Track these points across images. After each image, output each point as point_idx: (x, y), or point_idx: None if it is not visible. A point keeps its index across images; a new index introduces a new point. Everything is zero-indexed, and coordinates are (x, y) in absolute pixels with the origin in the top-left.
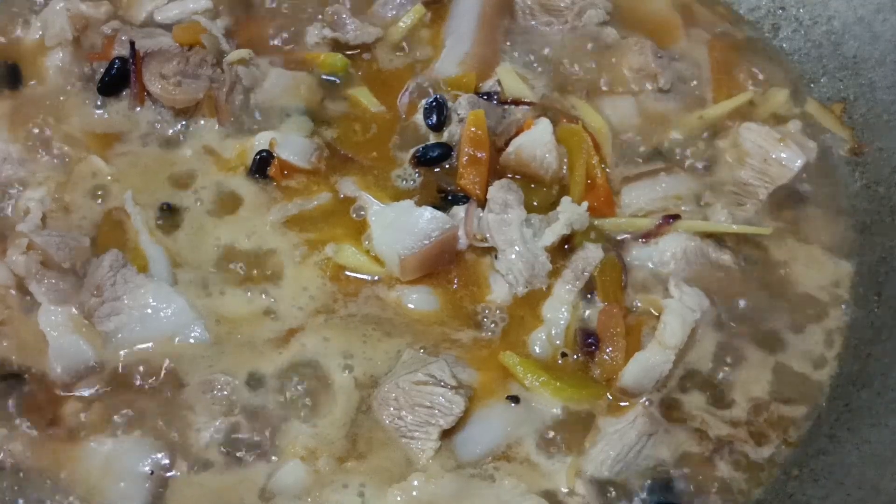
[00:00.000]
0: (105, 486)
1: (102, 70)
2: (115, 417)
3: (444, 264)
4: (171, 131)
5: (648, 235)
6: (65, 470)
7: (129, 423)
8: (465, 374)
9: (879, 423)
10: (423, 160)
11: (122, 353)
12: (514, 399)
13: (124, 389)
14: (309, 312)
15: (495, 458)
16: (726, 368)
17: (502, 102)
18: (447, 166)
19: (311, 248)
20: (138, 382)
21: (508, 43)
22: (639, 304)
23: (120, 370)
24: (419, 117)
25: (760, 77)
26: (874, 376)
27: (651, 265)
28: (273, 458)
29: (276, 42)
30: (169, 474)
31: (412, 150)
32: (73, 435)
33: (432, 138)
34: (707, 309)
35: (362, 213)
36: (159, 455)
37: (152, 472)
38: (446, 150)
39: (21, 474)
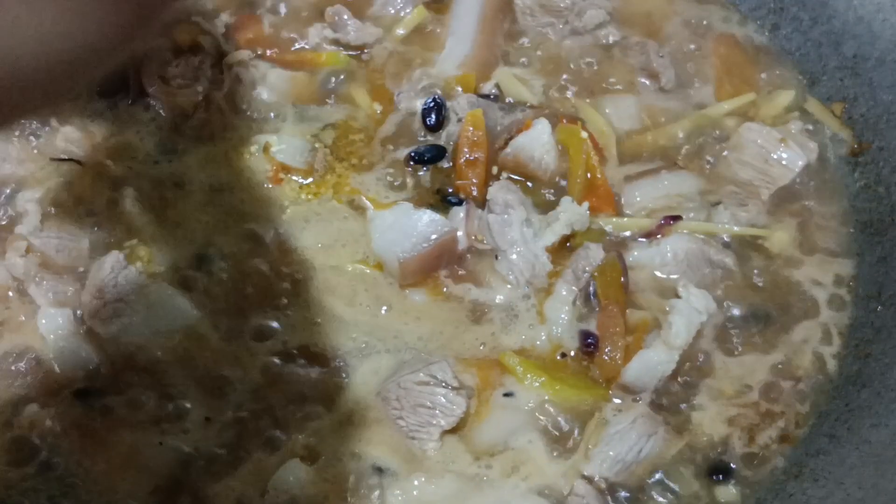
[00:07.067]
0: (122, 474)
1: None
2: (122, 418)
3: (443, 266)
4: (169, 132)
5: (650, 235)
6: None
7: (135, 422)
8: (464, 374)
9: (879, 423)
10: (418, 161)
11: (124, 354)
12: (512, 399)
13: (128, 389)
14: (316, 309)
15: (495, 458)
16: (726, 369)
17: (502, 105)
18: (445, 166)
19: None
20: (142, 383)
21: (508, 44)
22: (640, 305)
23: (122, 371)
24: (417, 118)
25: (762, 77)
26: (874, 376)
27: (652, 266)
28: (274, 455)
29: (275, 43)
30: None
31: (407, 152)
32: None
33: (430, 139)
34: (713, 311)
35: (360, 215)
36: (165, 454)
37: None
38: (440, 152)
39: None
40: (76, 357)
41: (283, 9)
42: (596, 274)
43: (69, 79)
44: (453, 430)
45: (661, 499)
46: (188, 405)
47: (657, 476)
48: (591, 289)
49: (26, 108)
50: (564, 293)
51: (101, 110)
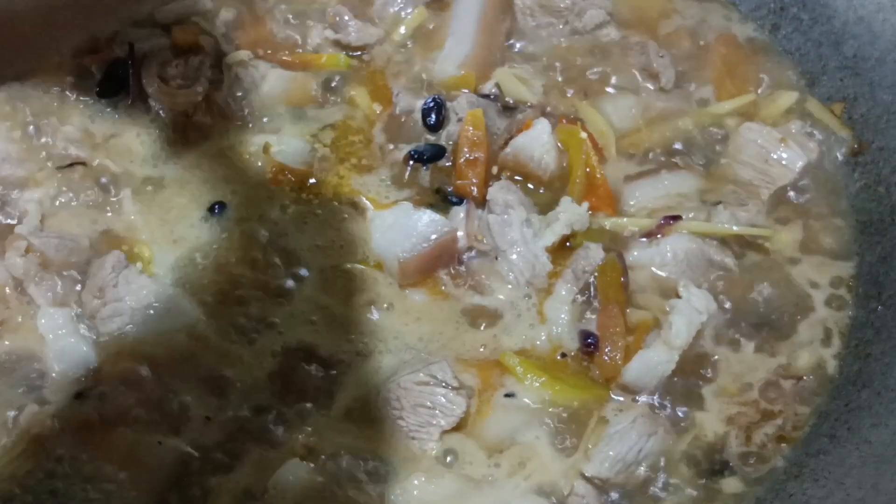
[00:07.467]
0: (123, 474)
1: (102, 71)
2: (122, 417)
3: (443, 266)
4: (169, 132)
5: (650, 235)
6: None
7: (135, 422)
8: (464, 374)
9: (879, 423)
10: (418, 161)
11: (124, 353)
12: (513, 399)
13: (128, 389)
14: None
15: (495, 457)
16: (726, 368)
17: (502, 106)
18: (445, 165)
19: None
20: (142, 382)
21: (509, 43)
22: (640, 305)
23: (122, 371)
24: (417, 118)
25: (762, 77)
26: (874, 376)
27: (652, 266)
28: (274, 454)
29: (276, 43)
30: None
31: (406, 151)
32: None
33: (430, 138)
34: (714, 312)
35: (360, 216)
36: (165, 453)
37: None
38: (440, 151)
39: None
40: (76, 357)
41: (283, 9)
42: (596, 274)
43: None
44: (458, 429)
45: (661, 498)
46: (188, 405)
47: (657, 475)
48: (591, 289)
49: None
50: (564, 293)
51: (101, 110)
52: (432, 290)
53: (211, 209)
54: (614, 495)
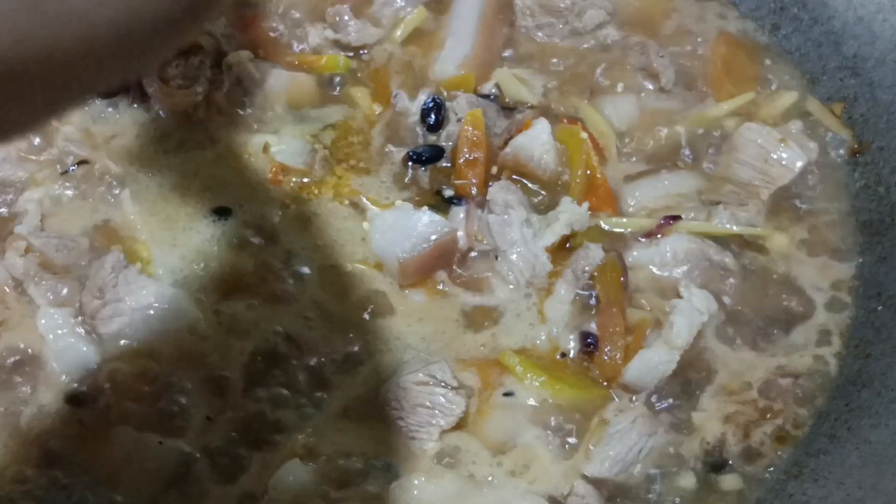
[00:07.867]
0: (124, 474)
1: None
2: (122, 417)
3: (443, 267)
4: (169, 132)
5: (649, 235)
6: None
7: (136, 423)
8: (464, 373)
9: (879, 423)
10: (416, 161)
11: (124, 353)
12: (512, 399)
13: (128, 389)
14: (316, 310)
15: (496, 457)
16: (725, 368)
17: (502, 106)
18: (445, 165)
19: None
20: (142, 383)
21: (508, 44)
22: (640, 305)
23: (123, 372)
24: (416, 118)
25: (762, 77)
26: (874, 376)
27: (652, 266)
28: (274, 455)
29: (276, 43)
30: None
31: (406, 152)
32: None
33: (429, 138)
34: (715, 312)
35: (360, 216)
36: (165, 454)
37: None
38: (439, 152)
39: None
40: (76, 357)
41: (283, 9)
42: (596, 274)
43: (145, 52)
44: (457, 429)
45: (661, 497)
46: (189, 405)
47: (657, 475)
48: (591, 289)
49: (102, 82)
50: (564, 293)
51: (101, 111)
52: (432, 290)
53: (216, 212)
54: (614, 495)
